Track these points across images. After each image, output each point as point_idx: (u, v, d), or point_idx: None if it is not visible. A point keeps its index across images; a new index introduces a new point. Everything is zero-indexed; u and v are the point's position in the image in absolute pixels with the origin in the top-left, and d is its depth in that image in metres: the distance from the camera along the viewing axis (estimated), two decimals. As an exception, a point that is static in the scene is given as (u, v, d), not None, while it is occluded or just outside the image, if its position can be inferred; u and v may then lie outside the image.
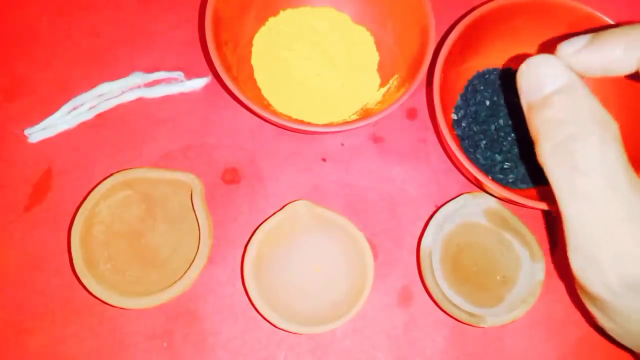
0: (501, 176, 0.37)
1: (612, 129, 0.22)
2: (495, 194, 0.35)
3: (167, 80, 0.40)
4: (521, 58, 0.40)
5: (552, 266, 0.38)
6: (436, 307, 0.36)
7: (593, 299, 0.25)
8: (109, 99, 0.39)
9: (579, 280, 0.24)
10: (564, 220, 0.24)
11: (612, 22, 0.36)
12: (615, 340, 0.28)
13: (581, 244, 0.23)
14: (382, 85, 0.40)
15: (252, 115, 0.40)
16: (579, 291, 0.26)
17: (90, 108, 0.39)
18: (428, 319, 0.36)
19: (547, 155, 0.23)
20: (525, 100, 0.24)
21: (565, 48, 0.24)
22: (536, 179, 0.38)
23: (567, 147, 0.22)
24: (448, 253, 0.37)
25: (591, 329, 0.37)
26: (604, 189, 0.22)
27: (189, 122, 0.40)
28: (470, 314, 0.34)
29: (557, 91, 0.23)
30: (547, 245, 0.38)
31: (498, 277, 0.36)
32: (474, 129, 0.38)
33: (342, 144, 0.40)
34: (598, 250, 0.23)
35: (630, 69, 0.24)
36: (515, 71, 0.40)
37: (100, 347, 0.35)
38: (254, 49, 0.40)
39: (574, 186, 0.22)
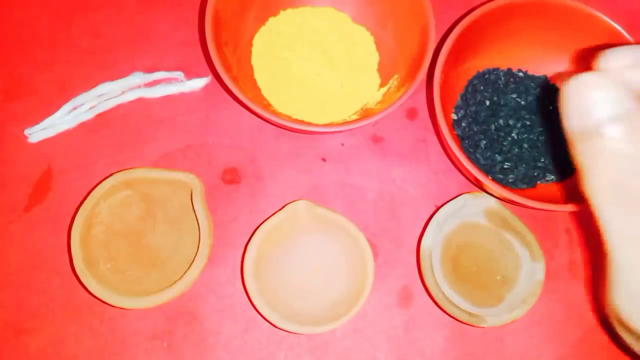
0: (501, 176, 0.37)
1: None
2: (495, 194, 0.35)
3: (167, 80, 0.40)
4: (531, 59, 0.40)
5: (552, 266, 0.38)
6: (436, 307, 0.36)
7: (632, 332, 0.23)
8: (109, 99, 0.39)
9: (622, 318, 0.23)
10: (612, 257, 0.21)
11: (612, 22, 0.36)
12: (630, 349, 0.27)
13: (630, 285, 0.21)
14: (382, 85, 0.40)
15: (252, 115, 0.40)
16: (615, 324, 0.25)
17: (90, 108, 0.39)
18: (428, 319, 0.36)
19: (599, 191, 0.20)
20: (570, 125, 0.21)
21: (614, 60, 0.20)
22: (536, 178, 0.38)
23: (626, 185, 0.19)
24: (448, 253, 0.37)
25: (591, 329, 0.37)
26: None
27: (189, 122, 0.40)
28: (470, 314, 0.34)
29: (614, 119, 0.19)
30: (547, 245, 0.38)
31: (498, 277, 0.36)
32: (474, 129, 0.38)
33: (342, 144, 0.40)
34: None
35: None
36: (517, 71, 0.41)
37: (100, 347, 0.35)
38: (254, 49, 0.40)
39: (630, 227, 0.20)
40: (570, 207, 0.33)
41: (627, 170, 0.19)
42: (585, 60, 0.39)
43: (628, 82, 0.20)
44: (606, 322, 0.36)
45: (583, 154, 0.20)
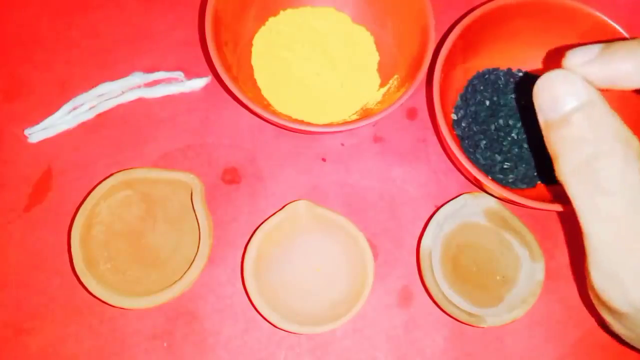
0: (501, 176, 0.37)
1: (634, 147, 0.22)
2: (495, 194, 0.35)
3: (167, 80, 0.40)
4: (524, 59, 0.40)
5: (552, 266, 0.38)
6: (436, 307, 0.36)
7: (611, 311, 0.25)
8: (109, 99, 0.39)
9: (599, 295, 0.24)
10: (585, 237, 0.23)
11: (611, 22, 0.36)
12: (629, 343, 0.28)
13: (603, 262, 0.23)
14: (382, 85, 0.40)
15: (252, 115, 0.40)
16: (595, 302, 0.26)
17: (90, 108, 0.39)
18: (428, 319, 0.36)
19: (568, 174, 0.23)
20: (542, 117, 0.24)
21: (574, 58, 0.23)
22: (536, 178, 0.38)
23: (589, 166, 0.22)
24: (448, 253, 0.37)
25: (591, 329, 0.37)
26: (627, 208, 0.22)
27: (189, 122, 0.40)
28: (470, 314, 0.34)
29: (577, 109, 0.22)
30: (547, 245, 0.38)
31: (498, 277, 0.36)
32: (474, 129, 0.38)
33: (342, 144, 0.40)
34: (621, 268, 0.22)
35: (639, 85, 0.23)
36: (517, 71, 0.41)
37: (100, 347, 0.35)
38: (254, 49, 0.40)
39: (596, 205, 0.22)
40: (570, 208, 0.33)
41: (590, 154, 0.22)
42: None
43: (587, 76, 0.23)
44: (602, 320, 0.36)
45: (553, 142, 0.23)
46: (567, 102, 0.22)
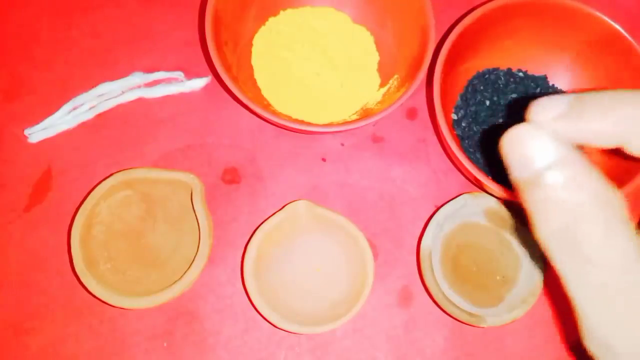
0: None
1: (615, 207, 0.20)
2: (495, 194, 0.35)
3: (167, 80, 0.40)
4: (519, 58, 0.40)
5: (551, 266, 0.38)
6: (436, 307, 0.36)
7: None
8: (109, 99, 0.39)
9: (594, 357, 0.23)
10: (573, 302, 0.21)
11: (611, 22, 0.36)
12: None
13: (596, 331, 0.21)
14: (382, 85, 0.40)
15: (252, 115, 0.40)
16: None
17: (90, 108, 0.39)
18: (428, 319, 0.36)
19: (547, 239, 0.21)
20: (513, 175, 0.21)
21: (539, 112, 0.21)
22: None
23: (569, 233, 0.20)
24: (448, 253, 0.37)
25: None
26: (617, 278, 0.20)
27: (189, 122, 0.40)
28: (470, 314, 0.34)
29: (548, 167, 0.20)
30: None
31: (498, 277, 0.36)
32: (474, 128, 0.38)
33: (342, 144, 0.40)
34: (614, 340, 0.21)
35: (611, 146, 0.21)
36: (517, 71, 0.41)
37: (100, 347, 0.35)
38: (254, 49, 0.40)
39: (582, 275, 0.20)
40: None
41: (569, 217, 0.20)
42: (594, 66, 0.38)
43: (557, 132, 0.20)
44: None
45: (528, 202, 0.21)
46: (537, 161, 0.20)
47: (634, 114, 0.20)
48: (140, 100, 0.40)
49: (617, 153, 0.21)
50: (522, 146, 0.21)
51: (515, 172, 0.21)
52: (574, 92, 0.23)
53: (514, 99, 0.39)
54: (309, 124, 0.37)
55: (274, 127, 0.40)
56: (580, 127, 0.20)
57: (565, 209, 0.20)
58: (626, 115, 0.20)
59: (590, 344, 0.22)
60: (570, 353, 0.37)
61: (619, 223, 0.19)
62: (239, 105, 0.40)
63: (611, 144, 0.21)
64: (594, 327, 0.21)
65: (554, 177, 0.20)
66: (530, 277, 0.35)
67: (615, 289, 0.20)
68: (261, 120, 0.40)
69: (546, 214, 0.20)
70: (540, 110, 0.21)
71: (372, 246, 0.37)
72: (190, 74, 0.41)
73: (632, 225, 0.20)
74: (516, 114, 0.39)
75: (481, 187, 0.36)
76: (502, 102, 0.39)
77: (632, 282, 0.20)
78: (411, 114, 0.41)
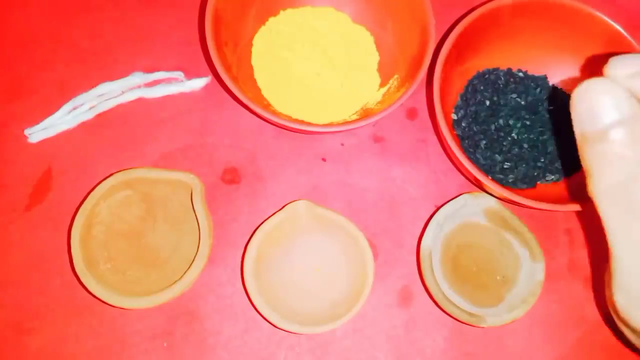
0: (501, 176, 0.37)
1: None
2: (495, 194, 0.35)
3: (167, 80, 0.40)
4: (526, 59, 0.40)
5: (552, 266, 0.38)
6: (436, 307, 0.36)
7: (633, 329, 0.25)
8: (109, 99, 0.39)
9: (622, 314, 0.24)
10: (613, 257, 0.22)
11: (611, 22, 0.36)
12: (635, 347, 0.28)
13: (630, 285, 0.22)
14: (382, 85, 0.40)
15: (252, 115, 0.40)
16: (614, 316, 0.26)
17: (90, 108, 0.39)
18: (428, 319, 0.36)
19: (601, 193, 0.21)
20: (579, 129, 0.21)
21: (620, 68, 0.21)
22: (536, 178, 0.38)
23: (626, 188, 0.20)
24: (448, 253, 0.37)
25: (591, 329, 0.37)
26: None
27: (189, 122, 0.40)
28: (470, 314, 0.34)
29: (618, 123, 0.20)
30: (547, 246, 0.38)
31: (498, 277, 0.36)
32: (474, 129, 0.38)
33: (342, 144, 0.40)
34: None
35: None
36: (517, 71, 0.41)
37: (100, 347, 0.35)
38: (254, 49, 0.40)
39: (629, 230, 0.21)
40: (570, 207, 0.33)
41: (628, 174, 0.20)
42: (594, 66, 0.39)
43: (632, 90, 0.21)
44: (609, 317, 0.36)
45: (589, 156, 0.21)
46: (608, 115, 0.20)
47: None
48: (140, 100, 0.40)
49: None
50: (594, 99, 0.21)
51: (582, 124, 0.21)
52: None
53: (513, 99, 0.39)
54: (309, 124, 0.37)
55: (274, 127, 0.40)
56: None
57: (625, 166, 0.20)
58: None
59: (622, 298, 0.23)
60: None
61: None
62: (239, 105, 0.40)
63: None
64: (630, 282, 0.22)
65: (621, 134, 0.20)
66: (530, 277, 0.35)
67: None
68: (261, 120, 0.40)
69: (606, 168, 0.20)
70: (619, 65, 0.21)
71: (372, 246, 0.37)
72: (190, 74, 0.41)
73: None
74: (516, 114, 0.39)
75: (481, 187, 0.36)
76: (502, 102, 0.39)
77: None
78: (411, 114, 0.41)
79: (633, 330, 0.25)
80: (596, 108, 0.21)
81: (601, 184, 0.21)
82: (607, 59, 0.22)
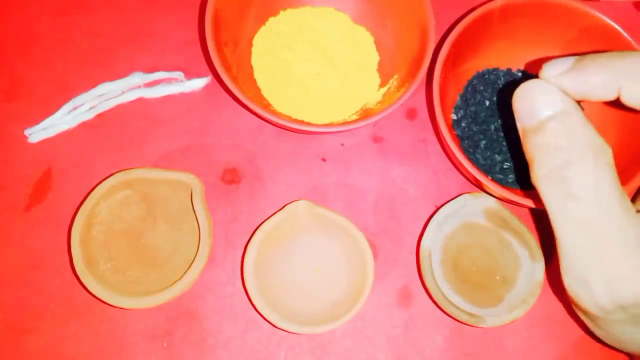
0: (501, 176, 0.37)
1: (606, 155, 0.23)
2: (495, 194, 0.35)
3: (167, 80, 0.40)
4: (525, 61, 0.40)
5: (552, 266, 0.38)
6: (436, 307, 0.36)
7: (585, 312, 0.26)
8: (109, 99, 0.39)
9: (572, 298, 0.26)
10: (557, 241, 0.24)
11: (611, 22, 0.36)
12: (607, 343, 0.29)
13: (574, 266, 0.24)
14: (382, 85, 0.40)
15: (252, 115, 0.40)
16: (572, 304, 0.27)
17: (90, 108, 0.39)
18: (428, 319, 0.36)
19: (541, 180, 0.24)
20: (520, 124, 0.25)
21: (550, 69, 0.24)
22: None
23: (561, 173, 0.23)
24: (448, 253, 0.37)
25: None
26: (597, 215, 0.23)
27: (189, 122, 0.40)
28: (470, 314, 0.34)
29: (552, 117, 0.23)
30: (547, 246, 0.38)
31: (498, 277, 0.36)
32: (474, 129, 0.38)
33: (342, 144, 0.40)
34: (590, 273, 0.24)
35: (610, 97, 0.24)
36: (517, 71, 0.41)
37: (100, 347, 0.35)
38: (254, 49, 0.40)
39: (568, 211, 0.23)
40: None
41: (563, 160, 0.23)
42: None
43: (561, 87, 0.24)
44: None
45: (530, 147, 0.24)
46: (543, 110, 0.23)
47: (625, 67, 0.23)
48: (140, 100, 0.40)
49: (616, 105, 0.24)
50: (531, 97, 0.24)
51: (523, 120, 0.24)
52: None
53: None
54: (309, 124, 0.37)
55: (274, 127, 0.40)
56: (582, 81, 0.23)
57: (561, 153, 0.23)
58: (619, 68, 0.23)
59: (569, 279, 0.25)
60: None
61: (606, 167, 0.23)
62: (239, 105, 0.40)
63: (608, 95, 0.24)
64: (573, 263, 0.24)
65: (554, 125, 0.23)
66: (530, 277, 0.35)
67: (596, 228, 0.23)
68: (261, 120, 0.40)
69: (544, 156, 0.23)
70: (549, 68, 0.24)
71: (372, 246, 0.37)
72: (190, 74, 0.41)
73: (616, 174, 0.23)
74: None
75: (481, 187, 0.36)
76: (502, 102, 0.39)
77: (609, 220, 0.22)
78: (411, 114, 0.41)
79: (585, 312, 0.26)
80: (533, 105, 0.24)
81: (540, 171, 0.24)
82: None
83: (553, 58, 0.25)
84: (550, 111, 0.23)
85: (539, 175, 0.24)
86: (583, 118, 0.23)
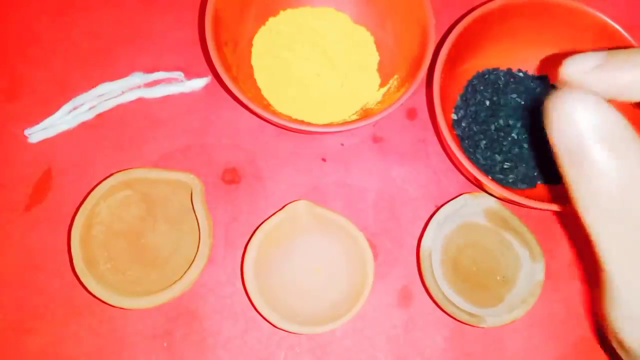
0: (501, 176, 0.37)
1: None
2: (495, 194, 0.35)
3: (167, 80, 0.40)
4: (523, 59, 0.40)
5: (552, 266, 0.38)
6: (436, 307, 0.36)
7: (627, 350, 0.23)
8: (109, 99, 0.39)
9: (619, 337, 0.23)
10: (606, 274, 0.21)
11: (611, 22, 0.36)
12: None
13: (626, 304, 0.21)
14: (382, 85, 0.40)
15: (252, 115, 0.40)
16: (612, 340, 0.25)
17: (90, 108, 0.39)
18: (428, 319, 0.36)
19: (590, 209, 0.20)
20: (555, 142, 0.20)
21: (574, 65, 0.21)
22: (536, 178, 0.38)
23: (616, 203, 0.19)
24: (448, 253, 0.37)
25: (591, 330, 0.37)
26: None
27: (189, 122, 0.40)
28: (470, 314, 0.34)
29: (599, 140, 0.19)
30: (547, 246, 0.38)
31: (498, 277, 0.36)
32: (474, 129, 0.38)
33: (342, 144, 0.40)
34: None
35: None
36: (517, 71, 0.41)
37: (100, 347, 0.35)
38: (254, 49, 0.40)
39: (624, 245, 0.20)
40: (570, 207, 0.33)
41: (615, 187, 0.19)
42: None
43: (590, 86, 0.21)
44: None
45: (567, 170, 0.20)
46: (583, 127, 0.19)
47: None
48: (140, 100, 0.40)
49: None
50: (567, 110, 0.19)
51: (558, 138, 0.20)
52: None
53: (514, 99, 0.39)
54: (309, 124, 0.37)
55: (274, 127, 0.40)
56: (616, 80, 0.20)
57: (611, 178, 0.19)
58: None
59: (617, 318, 0.21)
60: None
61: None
62: (239, 105, 0.40)
63: None
64: (627, 301, 0.21)
65: (600, 147, 0.19)
66: (530, 277, 0.35)
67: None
68: (261, 120, 0.40)
69: (589, 184, 0.19)
70: (572, 64, 0.21)
71: (372, 246, 0.37)
72: (190, 74, 0.41)
73: None
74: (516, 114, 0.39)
75: (481, 187, 0.36)
76: (502, 102, 0.39)
77: None
78: (411, 114, 0.41)
79: (626, 350, 0.23)
80: (571, 120, 0.19)
81: (587, 200, 0.20)
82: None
83: (576, 53, 0.21)
84: (597, 134, 0.19)
85: (586, 205, 0.20)
86: (632, 131, 0.19)
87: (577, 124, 0.19)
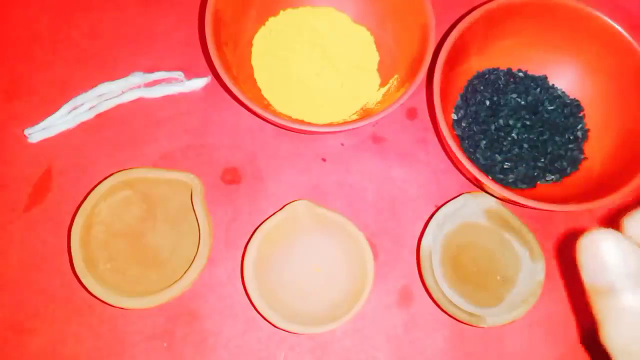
0: (501, 176, 0.37)
1: None
2: (495, 194, 0.35)
3: (167, 80, 0.40)
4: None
5: (552, 266, 0.38)
6: (436, 307, 0.36)
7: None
8: (109, 99, 0.39)
9: None
10: None
11: (612, 22, 0.36)
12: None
13: None
14: (382, 85, 0.40)
15: (252, 115, 0.40)
16: None
17: (90, 108, 0.39)
18: (428, 319, 0.36)
19: (617, 348, 0.20)
20: (587, 279, 0.20)
21: (635, 227, 0.20)
22: (536, 178, 0.38)
23: None
24: (448, 253, 0.37)
25: (591, 329, 0.37)
26: None
27: (189, 122, 0.40)
28: (470, 314, 0.34)
29: (626, 277, 0.19)
30: (547, 246, 0.38)
31: (498, 277, 0.36)
32: (474, 129, 0.38)
33: (342, 144, 0.40)
34: None
35: None
36: (517, 71, 0.41)
37: (100, 347, 0.35)
38: (254, 49, 0.40)
39: None
40: (570, 207, 0.33)
41: None
42: (594, 66, 0.39)
43: None
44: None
45: (598, 308, 0.20)
46: (617, 269, 0.20)
47: None
48: (140, 100, 0.40)
49: None
50: (602, 252, 0.20)
51: (589, 275, 0.20)
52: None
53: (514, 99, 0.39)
54: (309, 124, 0.37)
55: (274, 127, 0.40)
56: None
57: (637, 320, 0.19)
58: None
59: None
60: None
61: None
62: (239, 105, 0.40)
63: None
64: None
65: (631, 288, 0.19)
66: (530, 277, 0.35)
67: None
68: (261, 120, 0.40)
69: (617, 323, 0.20)
70: (635, 223, 0.21)
71: (372, 246, 0.37)
72: (190, 74, 0.41)
73: None
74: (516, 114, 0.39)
75: (481, 187, 0.36)
76: (502, 102, 0.39)
77: None
78: (411, 114, 0.41)
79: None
80: (603, 262, 0.20)
81: (615, 338, 0.20)
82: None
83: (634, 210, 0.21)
84: (625, 270, 0.19)
85: (613, 343, 0.20)
86: None
87: (605, 257, 0.19)
